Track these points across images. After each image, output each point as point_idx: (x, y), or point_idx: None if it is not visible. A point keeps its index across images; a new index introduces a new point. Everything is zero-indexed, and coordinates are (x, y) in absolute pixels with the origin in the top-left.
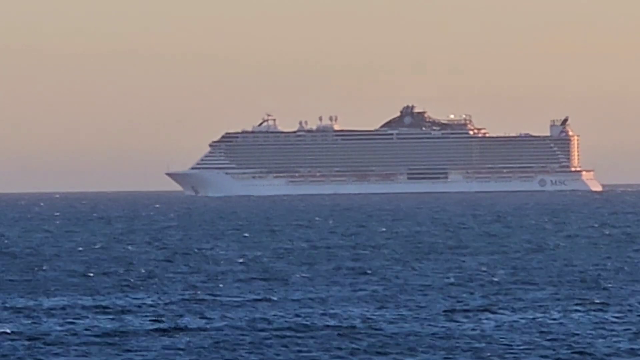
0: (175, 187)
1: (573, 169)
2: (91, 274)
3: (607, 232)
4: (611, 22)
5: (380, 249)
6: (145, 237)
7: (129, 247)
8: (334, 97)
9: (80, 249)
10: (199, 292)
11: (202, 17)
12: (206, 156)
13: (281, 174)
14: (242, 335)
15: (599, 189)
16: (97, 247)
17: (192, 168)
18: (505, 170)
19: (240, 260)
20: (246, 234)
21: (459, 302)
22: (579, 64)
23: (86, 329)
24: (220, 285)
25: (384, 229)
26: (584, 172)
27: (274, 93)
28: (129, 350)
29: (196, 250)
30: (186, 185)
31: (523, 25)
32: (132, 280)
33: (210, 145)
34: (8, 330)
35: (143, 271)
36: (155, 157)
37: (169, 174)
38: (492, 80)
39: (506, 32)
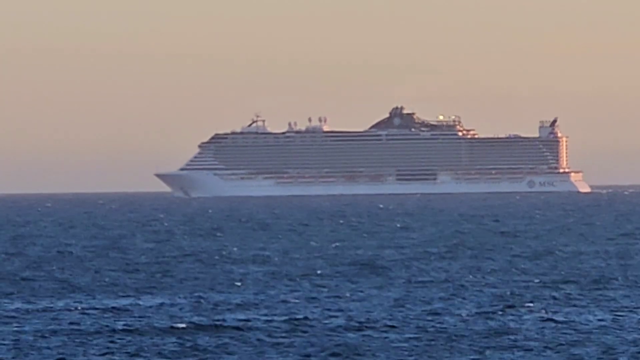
0: (164, 188)
1: (562, 170)
2: (106, 275)
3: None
4: (601, 23)
5: (399, 248)
6: (158, 237)
7: (142, 247)
8: (323, 98)
9: (94, 250)
10: (217, 292)
11: (191, 18)
12: (195, 157)
13: (270, 175)
14: (260, 335)
15: (588, 190)
16: (110, 247)
17: (182, 169)
18: (494, 172)
19: (256, 260)
20: (256, 234)
21: (478, 300)
22: (568, 65)
23: (103, 328)
24: (237, 284)
25: (398, 225)
26: (572, 174)
27: (263, 94)
28: (145, 349)
29: (212, 250)
30: (175, 186)
31: (512, 27)
32: (146, 280)
33: (199, 146)
34: (26, 328)
35: (160, 271)
36: (144, 158)
37: (158, 175)
38: (481, 82)
39: (495, 33)
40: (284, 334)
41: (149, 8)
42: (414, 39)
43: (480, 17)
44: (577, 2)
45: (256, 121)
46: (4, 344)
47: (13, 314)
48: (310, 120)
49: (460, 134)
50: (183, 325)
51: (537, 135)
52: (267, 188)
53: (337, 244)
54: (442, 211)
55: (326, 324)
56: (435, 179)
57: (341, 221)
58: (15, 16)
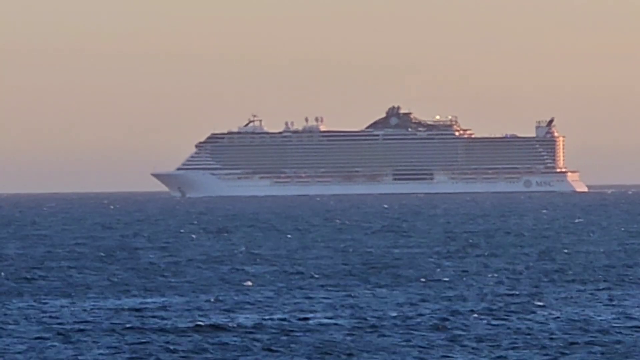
0: (161, 187)
1: (558, 170)
2: (115, 274)
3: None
4: (597, 23)
5: (409, 247)
6: (166, 237)
7: (150, 247)
8: (320, 98)
9: (103, 250)
10: (227, 292)
11: (188, 18)
12: (192, 157)
13: (267, 175)
14: (271, 334)
15: (584, 190)
16: (118, 247)
17: (178, 169)
18: (490, 171)
19: (265, 260)
20: (264, 233)
21: (489, 299)
22: (564, 65)
23: (114, 327)
24: (247, 284)
25: (405, 225)
26: (569, 173)
27: (260, 94)
28: (156, 349)
29: (221, 250)
30: (172, 186)
31: (509, 27)
32: (155, 280)
33: (196, 146)
34: (37, 327)
35: (169, 271)
36: (141, 158)
37: (155, 175)
38: (477, 82)
39: (492, 33)
40: (295, 334)
41: (146, 8)
42: (411, 39)
43: (477, 17)
44: (574, 2)
45: (253, 121)
46: (15, 343)
47: (23, 313)
48: (307, 120)
49: (457, 133)
50: (193, 325)
51: (533, 135)
52: (264, 188)
53: (346, 243)
54: (447, 210)
55: (338, 323)
56: (432, 178)
57: (347, 222)
58: (14, 16)
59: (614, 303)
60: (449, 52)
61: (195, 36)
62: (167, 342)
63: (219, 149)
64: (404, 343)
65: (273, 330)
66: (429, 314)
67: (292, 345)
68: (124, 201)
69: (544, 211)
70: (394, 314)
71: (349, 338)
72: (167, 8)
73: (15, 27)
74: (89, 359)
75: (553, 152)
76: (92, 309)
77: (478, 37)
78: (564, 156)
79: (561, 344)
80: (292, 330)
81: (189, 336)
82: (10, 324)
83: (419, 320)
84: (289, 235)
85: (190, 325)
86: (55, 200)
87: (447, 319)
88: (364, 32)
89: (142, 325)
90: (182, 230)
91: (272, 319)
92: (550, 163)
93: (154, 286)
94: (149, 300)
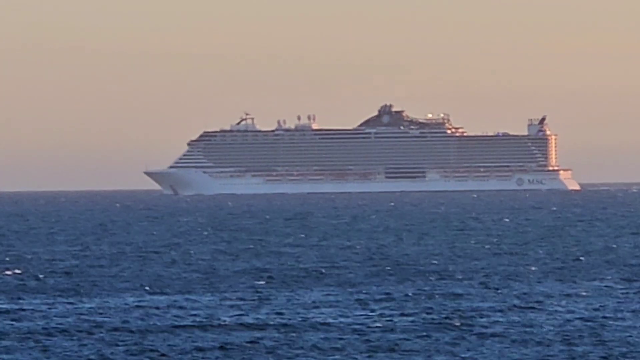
0: (153, 186)
1: (551, 168)
2: (129, 272)
3: None
4: (589, 22)
5: (423, 246)
6: (177, 235)
7: (161, 245)
8: (312, 96)
9: (115, 248)
10: (240, 290)
11: (180, 16)
12: (184, 155)
13: (259, 173)
14: (285, 332)
15: (577, 188)
16: (130, 244)
17: (171, 167)
18: (482, 169)
19: (279, 258)
20: (276, 231)
21: (501, 298)
22: (556, 63)
23: (126, 325)
24: (261, 282)
25: (411, 222)
26: (561, 171)
27: (252, 92)
28: (171, 347)
29: (233, 247)
30: (165, 184)
31: (501, 25)
32: (169, 278)
33: (188, 144)
34: (48, 325)
35: (183, 269)
36: (134, 156)
37: (147, 173)
38: (470, 80)
39: (484, 31)
40: (306, 331)
41: (138, 7)
42: (403, 38)
43: (469, 16)
44: (566, 1)
45: (245, 119)
46: (26, 340)
47: (36, 310)
48: (299, 118)
49: (449, 131)
50: (204, 323)
51: (526, 133)
52: (256, 186)
53: (356, 241)
54: (454, 207)
55: (349, 320)
56: (424, 176)
57: (354, 218)
58: (11, 15)
59: (628, 299)
60: (441, 51)
61: (188, 35)
62: (178, 340)
63: (212, 147)
64: (416, 341)
65: (284, 328)
66: (441, 311)
67: (304, 342)
68: (125, 199)
69: (554, 208)
70: (406, 312)
71: (360, 336)
72: (159, 7)
73: (12, 27)
74: (99, 357)
75: (545, 150)
76: (102, 306)
77: (470, 35)
78: (556, 154)
79: (575, 341)
80: (303, 328)
81: (199, 334)
82: (23, 322)
83: (431, 317)
84: (302, 235)
85: (201, 323)
86: (49, 198)
87: (460, 317)
88: (356, 30)
89: (152, 322)
90: (190, 228)
91: (283, 317)
92: (542, 161)
93: (165, 284)
94: (159, 298)
